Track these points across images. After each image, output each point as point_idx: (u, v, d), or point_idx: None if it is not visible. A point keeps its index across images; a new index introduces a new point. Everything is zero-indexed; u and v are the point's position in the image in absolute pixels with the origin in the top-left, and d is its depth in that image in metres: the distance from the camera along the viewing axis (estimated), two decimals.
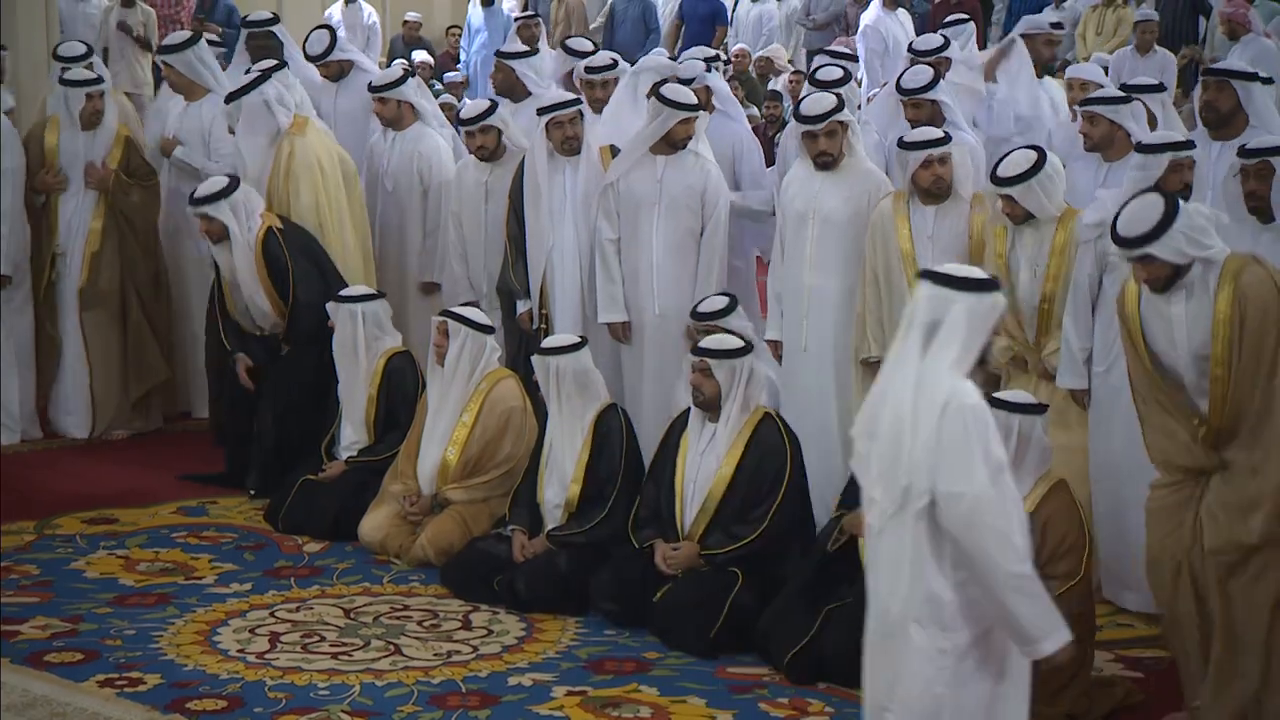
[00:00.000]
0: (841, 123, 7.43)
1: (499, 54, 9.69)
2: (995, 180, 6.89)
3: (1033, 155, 6.88)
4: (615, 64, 9.12)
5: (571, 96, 8.48)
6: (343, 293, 8.07)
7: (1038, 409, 6.00)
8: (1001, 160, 6.97)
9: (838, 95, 7.57)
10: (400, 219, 9.15)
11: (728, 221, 8.04)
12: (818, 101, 7.48)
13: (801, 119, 7.51)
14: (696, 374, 6.71)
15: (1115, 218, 5.53)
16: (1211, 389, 5.45)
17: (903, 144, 7.33)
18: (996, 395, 6.08)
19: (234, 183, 8.33)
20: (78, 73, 9.18)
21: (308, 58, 9.83)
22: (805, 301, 7.53)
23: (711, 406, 6.71)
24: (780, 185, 8.01)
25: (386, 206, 9.14)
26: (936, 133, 7.31)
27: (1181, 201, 5.50)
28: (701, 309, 7.47)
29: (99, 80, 9.12)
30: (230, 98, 8.63)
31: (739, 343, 6.79)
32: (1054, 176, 6.84)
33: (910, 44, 9.87)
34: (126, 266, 9.14)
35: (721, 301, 7.47)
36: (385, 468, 7.75)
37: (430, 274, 9.12)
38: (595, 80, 8.96)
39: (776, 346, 7.69)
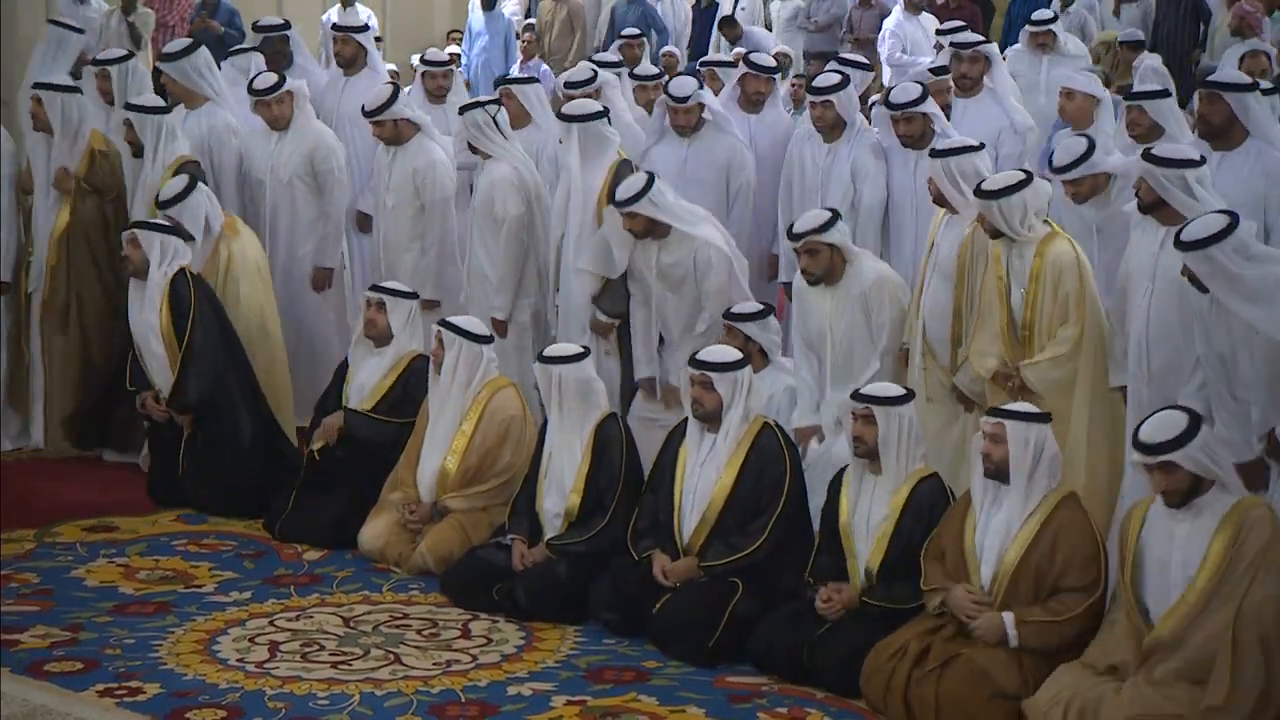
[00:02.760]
0: (828, 244, 7.30)
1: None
2: (975, 190, 7.00)
3: (1018, 176, 6.94)
4: (595, 76, 9.38)
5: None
6: (386, 285, 8.07)
7: (1046, 418, 6.06)
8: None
9: (833, 214, 7.43)
10: (399, 236, 9.08)
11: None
12: (806, 220, 7.39)
13: (790, 235, 7.47)
14: (697, 387, 6.70)
15: (1137, 428, 5.76)
16: (1177, 606, 5.60)
17: (934, 153, 7.44)
18: (1006, 407, 6.12)
19: (178, 230, 8.20)
20: (56, 76, 9.17)
21: None
22: None
23: (713, 419, 6.71)
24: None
25: (388, 223, 9.08)
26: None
27: (1203, 422, 5.71)
28: (735, 310, 7.53)
29: (58, 87, 8.96)
30: (165, 205, 8.36)
31: (737, 355, 6.81)
32: (1019, 204, 6.83)
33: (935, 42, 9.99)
34: (77, 281, 8.93)
35: (754, 306, 7.56)
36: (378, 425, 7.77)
37: (428, 291, 8.99)
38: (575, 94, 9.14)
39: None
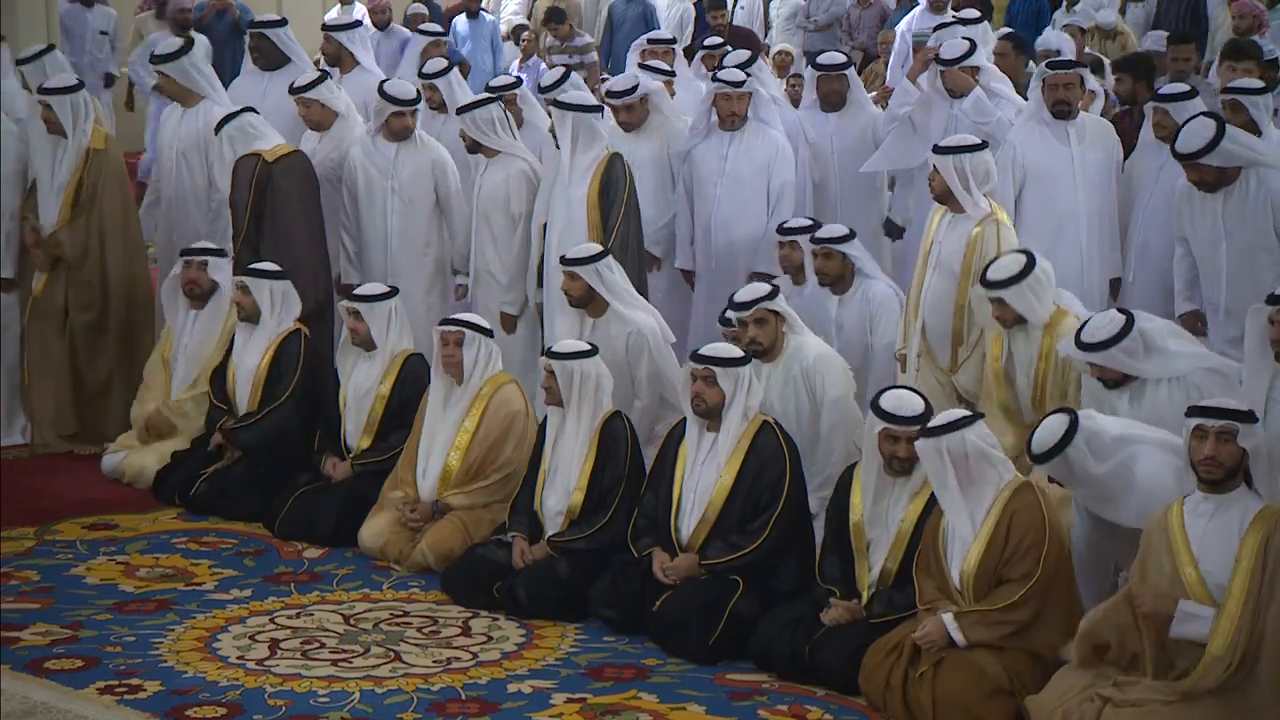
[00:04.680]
0: (773, 311, 7.22)
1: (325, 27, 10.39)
2: (985, 284, 6.91)
3: (1021, 259, 6.92)
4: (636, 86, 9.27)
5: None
6: (360, 292, 8.04)
7: (961, 423, 5.96)
8: (990, 265, 6.98)
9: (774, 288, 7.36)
10: (418, 230, 9.02)
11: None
12: (750, 290, 7.34)
13: (731, 304, 7.37)
14: (699, 382, 6.68)
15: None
16: (1220, 620, 5.46)
17: (940, 150, 7.45)
18: (932, 424, 6.05)
19: (281, 273, 8.30)
20: (59, 79, 9.07)
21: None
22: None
23: (713, 415, 6.70)
24: None
25: (402, 220, 8.99)
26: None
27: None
28: (739, 298, 7.34)
29: (55, 91, 8.88)
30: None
31: (739, 351, 6.81)
32: (1043, 279, 6.86)
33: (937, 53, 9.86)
34: (69, 286, 8.93)
35: (764, 289, 7.36)
36: (389, 469, 7.74)
37: (460, 276, 9.02)
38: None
39: None
